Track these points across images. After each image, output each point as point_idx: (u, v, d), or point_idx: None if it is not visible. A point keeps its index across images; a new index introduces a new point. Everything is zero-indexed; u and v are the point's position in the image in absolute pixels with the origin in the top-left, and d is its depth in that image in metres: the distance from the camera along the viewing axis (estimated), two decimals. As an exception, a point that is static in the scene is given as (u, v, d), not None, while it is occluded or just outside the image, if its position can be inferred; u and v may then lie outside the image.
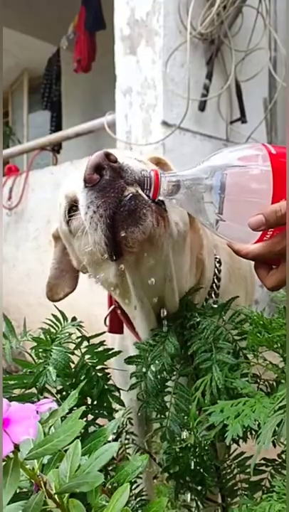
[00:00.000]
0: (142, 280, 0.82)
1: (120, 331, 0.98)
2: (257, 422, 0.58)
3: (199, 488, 0.84)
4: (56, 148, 4.49)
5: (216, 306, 0.89)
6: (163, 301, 0.86)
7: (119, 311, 0.96)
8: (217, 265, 0.99)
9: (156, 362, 0.81)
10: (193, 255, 0.91)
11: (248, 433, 0.76)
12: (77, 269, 0.95)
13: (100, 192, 0.69)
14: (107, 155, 0.69)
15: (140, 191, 0.70)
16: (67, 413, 0.73)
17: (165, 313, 0.86)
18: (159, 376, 0.82)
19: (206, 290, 0.96)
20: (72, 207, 0.83)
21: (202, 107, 2.55)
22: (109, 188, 0.69)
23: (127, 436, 0.90)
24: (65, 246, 0.96)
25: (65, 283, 1.03)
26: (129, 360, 0.86)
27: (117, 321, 0.98)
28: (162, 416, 0.82)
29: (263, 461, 0.79)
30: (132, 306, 0.88)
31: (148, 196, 0.70)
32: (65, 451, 0.55)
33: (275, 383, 0.78)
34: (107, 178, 0.69)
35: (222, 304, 0.87)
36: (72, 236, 0.87)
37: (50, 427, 0.53)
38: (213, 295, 0.97)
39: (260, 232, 0.66)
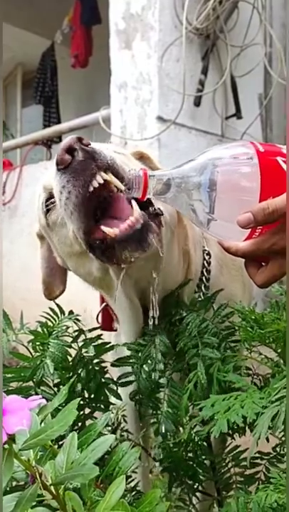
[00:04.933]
0: (128, 281, 0.81)
1: (112, 329, 0.98)
2: (243, 419, 0.58)
3: (191, 482, 0.84)
4: (50, 143, 4.46)
5: (200, 299, 0.89)
6: (148, 298, 0.85)
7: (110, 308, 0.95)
8: (206, 257, 0.98)
9: (149, 362, 0.81)
10: (179, 248, 0.91)
11: (246, 426, 0.77)
12: (61, 265, 0.95)
13: (72, 174, 0.69)
14: (80, 138, 0.69)
15: (116, 182, 0.70)
16: (64, 405, 0.73)
17: (157, 311, 0.85)
18: (152, 375, 0.82)
19: (194, 283, 0.95)
20: (50, 198, 0.83)
21: (197, 102, 2.54)
22: (81, 169, 0.68)
23: (123, 430, 0.90)
24: (50, 244, 0.95)
25: (58, 280, 1.02)
26: (119, 362, 0.85)
27: (109, 319, 0.97)
28: (156, 412, 0.82)
29: (257, 455, 0.79)
30: (116, 303, 0.87)
31: (134, 196, 0.69)
32: (61, 444, 0.55)
33: (269, 377, 0.78)
34: (78, 159, 0.68)
35: (207, 297, 0.87)
36: (50, 229, 0.86)
37: (41, 422, 0.53)
38: (202, 288, 0.96)
39: (249, 230, 0.66)
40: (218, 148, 0.68)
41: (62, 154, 0.69)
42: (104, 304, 0.97)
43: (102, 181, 0.69)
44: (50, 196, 0.82)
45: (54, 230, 0.84)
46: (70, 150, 0.69)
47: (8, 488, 0.57)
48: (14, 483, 0.58)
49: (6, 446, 0.43)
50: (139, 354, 0.82)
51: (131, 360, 0.84)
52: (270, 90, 2.88)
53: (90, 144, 0.70)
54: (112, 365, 0.85)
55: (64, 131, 3.46)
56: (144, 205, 0.74)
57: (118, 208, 0.73)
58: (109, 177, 0.70)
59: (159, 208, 0.76)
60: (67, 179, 0.69)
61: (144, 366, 0.81)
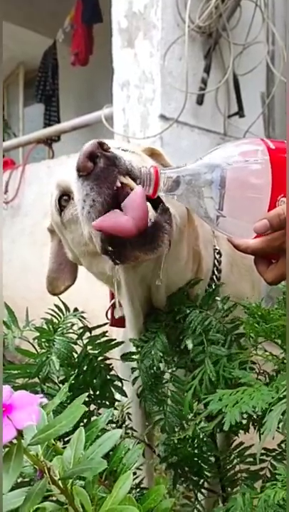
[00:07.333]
0: (135, 279, 0.82)
1: (122, 325, 0.98)
2: (255, 409, 0.58)
3: (196, 478, 0.85)
4: (50, 142, 4.46)
5: (203, 295, 0.89)
6: (150, 298, 0.87)
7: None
8: (217, 256, 0.98)
9: (148, 358, 0.81)
10: (189, 248, 0.91)
11: (250, 423, 0.77)
12: (72, 260, 0.95)
13: (95, 182, 0.68)
14: (101, 144, 0.68)
15: (134, 186, 0.69)
16: (70, 402, 0.73)
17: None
18: (151, 371, 0.82)
19: (205, 282, 0.95)
20: (63, 196, 0.83)
21: (200, 100, 2.54)
22: (104, 177, 0.68)
23: (128, 428, 0.90)
24: (60, 239, 0.96)
25: (64, 276, 1.02)
26: (124, 357, 0.86)
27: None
28: (161, 408, 0.82)
29: (263, 451, 0.79)
30: (124, 300, 0.88)
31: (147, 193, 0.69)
32: (66, 441, 0.55)
33: (275, 373, 0.78)
34: (101, 166, 0.68)
35: (209, 292, 0.87)
36: (64, 227, 0.86)
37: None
38: (213, 287, 0.96)
39: None
40: (229, 146, 0.68)
41: (84, 161, 0.68)
42: (113, 300, 0.97)
43: (119, 185, 0.69)
44: (64, 193, 0.82)
45: (68, 228, 0.84)
46: (91, 156, 0.68)
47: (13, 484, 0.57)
48: (19, 479, 0.58)
49: (15, 441, 0.43)
50: (140, 350, 0.82)
51: (133, 356, 0.84)
52: (272, 89, 2.87)
53: (110, 149, 0.69)
54: (124, 359, 0.85)
55: (67, 130, 3.46)
56: (154, 203, 0.74)
57: (132, 205, 0.72)
58: (128, 181, 0.69)
59: (167, 207, 0.76)
60: (91, 187, 0.68)
61: (145, 362, 0.81)
